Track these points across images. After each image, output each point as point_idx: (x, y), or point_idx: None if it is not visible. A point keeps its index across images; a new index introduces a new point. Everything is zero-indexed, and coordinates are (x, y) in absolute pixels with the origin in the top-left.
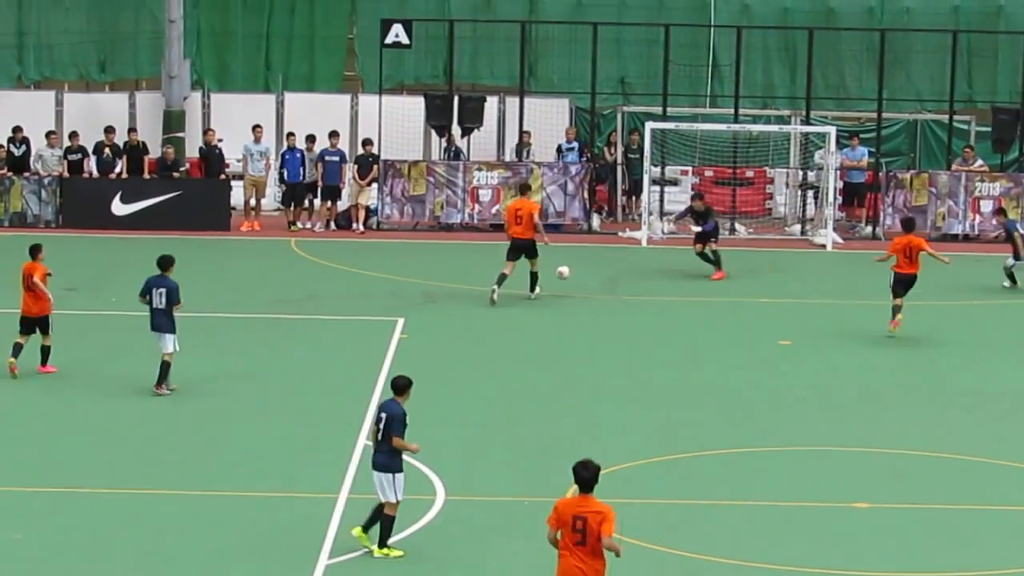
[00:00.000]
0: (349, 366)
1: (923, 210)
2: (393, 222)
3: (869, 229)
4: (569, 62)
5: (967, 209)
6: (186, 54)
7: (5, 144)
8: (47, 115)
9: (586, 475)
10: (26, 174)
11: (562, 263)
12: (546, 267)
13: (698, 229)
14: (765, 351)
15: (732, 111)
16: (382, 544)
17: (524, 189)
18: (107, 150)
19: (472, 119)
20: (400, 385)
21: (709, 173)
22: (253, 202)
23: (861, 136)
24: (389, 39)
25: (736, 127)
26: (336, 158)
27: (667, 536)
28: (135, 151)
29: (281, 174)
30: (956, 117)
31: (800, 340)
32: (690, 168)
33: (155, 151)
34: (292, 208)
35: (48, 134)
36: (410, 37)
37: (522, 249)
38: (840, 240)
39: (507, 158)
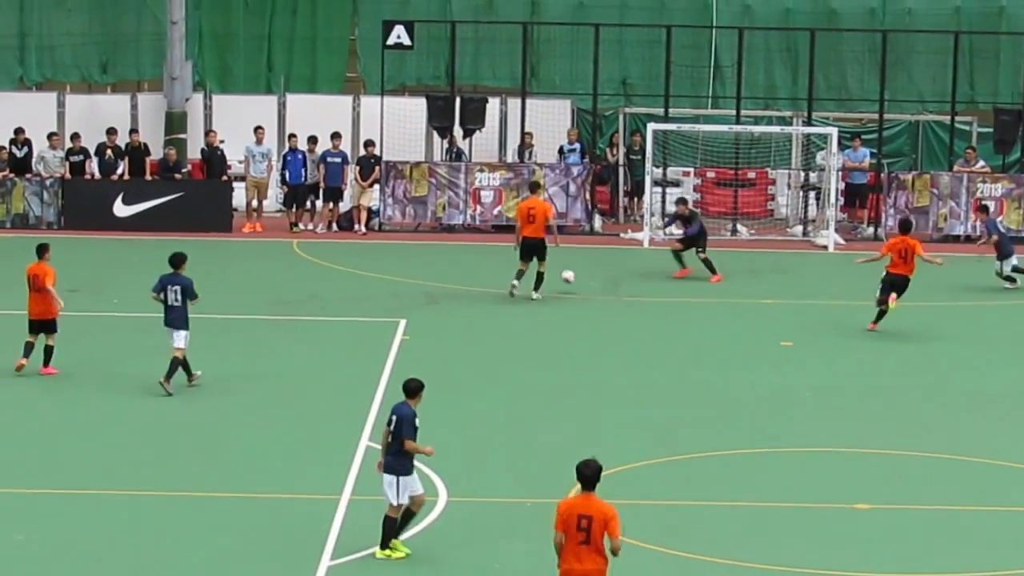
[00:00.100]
0: (351, 367)
1: (925, 211)
2: (395, 223)
3: (871, 230)
4: (571, 63)
5: (969, 210)
6: (188, 55)
7: (7, 146)
8: (49, 116)
9: (588, 473)
10: (28, 175)
11: (565, 265)
12: (551, 270)
13: (679, 233)
14: (766, 352)
15: (734, 112)
16: (383, 545)
17: (535, 187)
18: (109, 151)
19: (474, 120)
20: (411, 388)
21: (711, 174)
22: (255, 203)
23: (863, 137)
24: (391, 40)
25: (738, 128)
26: (338, 159)
27: (668, 537)
28: (137, 152)
29: (283, 175)
30: (958, 118)
31: (801, 341)
32: (692, 169)
33: (157, 152)
34: (294, 209)
35: (50, 135)
36: (412, 38)
37: (534, 248)
38: (842, 241)
39: (509, 159)
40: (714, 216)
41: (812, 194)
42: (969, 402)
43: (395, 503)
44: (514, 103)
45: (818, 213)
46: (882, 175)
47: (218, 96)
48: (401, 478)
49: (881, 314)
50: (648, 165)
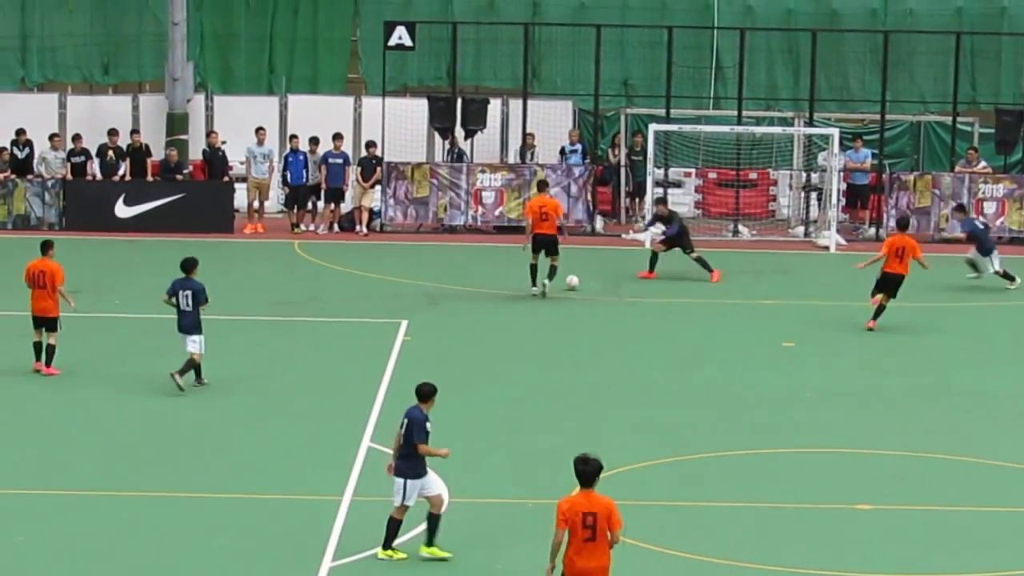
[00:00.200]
0: (352, 368)
1: (926, 212)
2: (396, 224)
3: (872, 231)
4: (572, 64)
5: (970, 211)
6: (189, 56)
7: (8, 147)
8: (50, 117)
9: (587, 470)
10: (29, 176)
11: (568, 267)
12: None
13: (658, 231)
14: (768, 352)
15: (735, 113)
16: (385, 546)
17: (543, 186)
18: (110, 152)
19: (475, 121)
20: (424, 392)
21: (712, 175)
22: (256, 204)
23: (864, 138)
24: (392, 41)
25: (739, 129)
26: (339, 160)
27: (669, 537)
28: (138, 153)
29: (284, 176)
30: (959, 119)
31: (803, 341)
32: (693, 170)
33: (158, 153)
34: (295, 210)
35: (51, 136)
36: (413, 39)
37: (547, 244)
38: (843, 242)
39: (510, 160)
40: (716, 217)
41: (814, 195)
42: (970, 402)
43: (398, 504)
44: (515, 104)
45: (820, 214)
46: (884, 176)
47: (220, 97)
48: (409, 481)
49: (879, 311)
50: (650, 166)
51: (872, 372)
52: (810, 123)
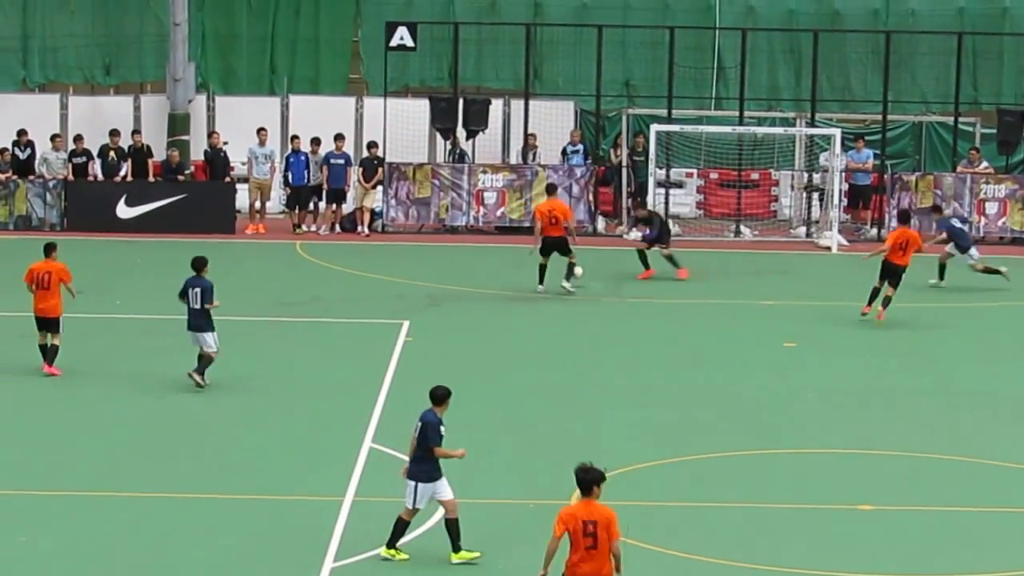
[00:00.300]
0: (354, 369)
1: (928, 212)
2: (398, 225)
3: (874, 231)
4: (574, 64)
5: (972, 211)
6: (191, 57)
7: (10, 147)
8: (52, 118)
9: (587, 479)
10: (31, 177)
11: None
12: (557, 269)
13: (638, 235)
14: (770, 353)
15: (737, 113)
16: (390, 544)
17: (552, 189)
18: (112, 153)
19: (477, 122)
20: (438, 395)
21: (714, 175)
22: (258, 205)
23: (866, 138)
24: (394, 42)
25: (741, 129)
26: (341, 161)
27: (671, 538)
28: (139, 154)
29: (285, 177)
30: (961, 119)
31: (805, 342)
32: (695, 170)
33: (160, 154)
34: (297, 211)
35: (53, 137)
36: (415, 40)
37: (557, 246)
38: (845, 242)
39: (512, 161)
40: (717, 217)
41: (815, 195)
42: (972, 403)
43: (409, 507)
44: (517, 104)
45: (821, 214)
46: (885, 176)
47: (221, 98)
48: (420, 484)
49: (881, 299)
50: (651, 166)
51: (873, 372)
52: (812, 123)
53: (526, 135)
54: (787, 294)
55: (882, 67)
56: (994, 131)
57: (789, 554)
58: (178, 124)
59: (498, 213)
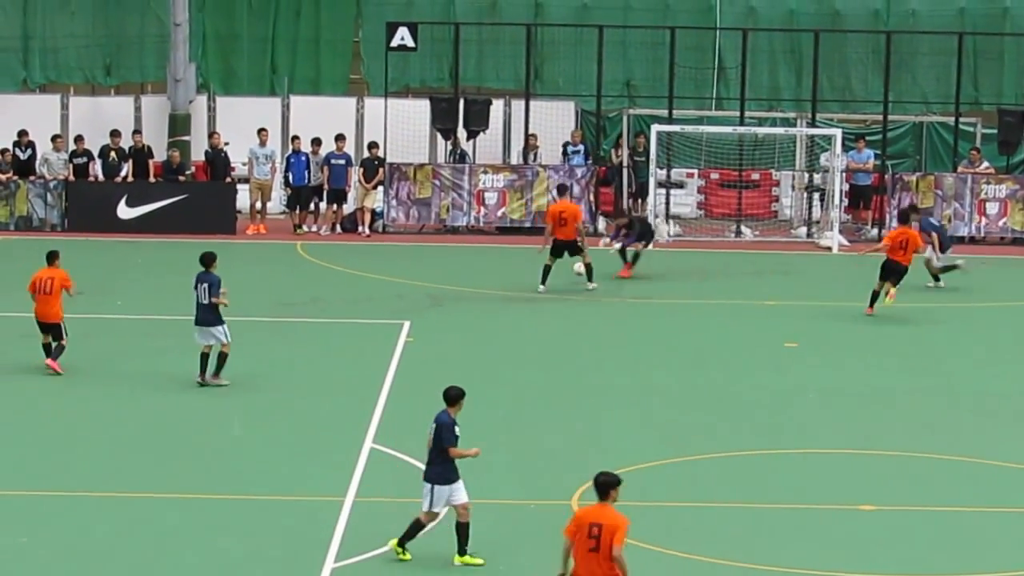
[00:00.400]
0: (354, 369)
1: (929, 212)
2: (399, 225)
3: (875, 231)
4: (575, 65)
5: (973, 211)
6: (191, 57)
7: (11, 148)
8: (52, 119)
9: (602, 482)
10: (32, 178)
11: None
12: (563, 267)
13: (618, 246)
14: (771, 353)
15: (738, 114)
16: (401, 542)
17: (563, 190)
18: (112, 154)
19: (478, 122)
20: (451, 396)
21: (715, 176)
22: (259, 205)
23: (867, 138)
24: (394, 42)
25: (742, 129)
26: (342, 161)
27: (672, 538)
28: (140, 154)
29: (286, 177)
30: (962, 119)
31: (806, 342)
32: (696, 171)
33: (160, 155)
34: (297, 211)
35: (54, 138)
36: (415, 40)
37: (567, 248)
38: (846, 242)
39: (513, 161)
40: (718, 218)
41: (816, 195)
42: (974, 403)
43: (425, 510)
44: (518, 105)
45: (822, 214)
46: (886, 176)
47: (222, 98)
48: (436, 487)
49: (874, 298)
50: (652, 167)
51: (874, 372)
52: (812, 124)
53: (527, 135)
54: (788, 294)
55: (883, 67)
56: (995, 131)
57: (789, 554)
58: (179, 124)
59: (499, 213)
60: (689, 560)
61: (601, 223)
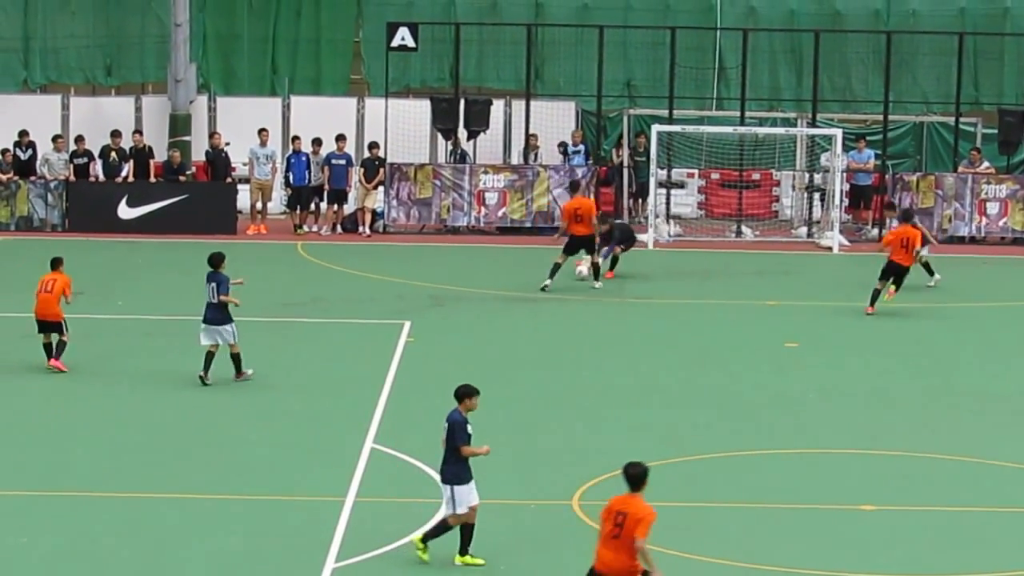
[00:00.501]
0: (355, 369)
1: (929, 212)
2: (399, 225)
3: (875, 231)
4: (575, 65)
5: (974, 211)
6: (192, 58)
7: (11, 148)
8: (53, 119)
9: (632, 474)
10: (32, 178)
11: (572, 267)
12: (567, 271)
13: (599, 259)
14: (771, 353)
15: (738, 114)
16: (425, 539)
17: (575, 187)
18: (113, 154)
19: (478, 122)
20: (458, 394)
21: (715, 176)
22: (259, 206)
23: (867, 138)
24: (395, 42)
25: (742, 130)
26: (342, 161)
27: (673, 538)
28: (141, 154)
29: (287, 177)
30: (962, 119)
31: (806, 342)
32: (696, 171)
33: (161, 155)
34: (298, 212)
35: (54, 138)
36: (416, 40)
37: (583, 244)
38: (846, 242)
39: (513, 161)
40: (719, 218)
41: (816, 195)
42: (974, 403)
43: (452, 513)
44: (518, 105)
45: (823, 214)
46: (886, 176)
47: (222, 98)
48: (456, 487)
49: (875, 296)
50: (652, 167)
51: (875, 372)
52: (813, 124)
53: (527, 135)
54: (788, 294)
55: (883, 67)
56: (995, 131)
57: (789, 554)
58: (179, 125)
59: (499, 213)
60: (689, 560)
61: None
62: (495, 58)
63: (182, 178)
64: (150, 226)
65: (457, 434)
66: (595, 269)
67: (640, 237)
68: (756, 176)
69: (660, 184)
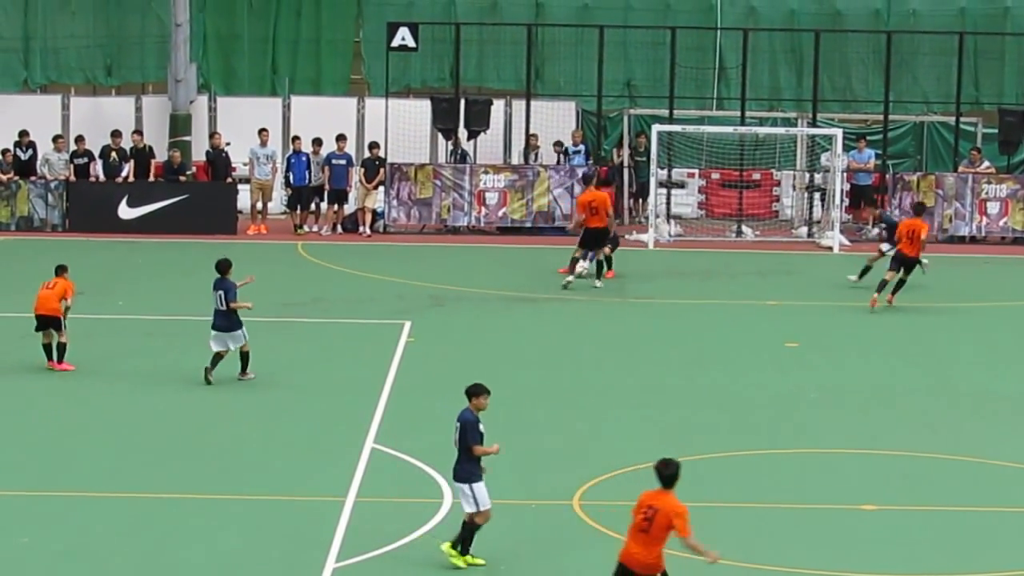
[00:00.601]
0: (355, 369)
1: (930, 212)
2: (399, 225)
3: (875, 231)
4: (575, 65)
5: (974, 211)
6: (192, 58)
7: (11, 148)
8: (53, 119)
9: (665, 472)
10: (33, 178)
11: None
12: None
13: (585, 263)
14: (772, 353)
15: (739, 113)
16: (458, 547)
17: (589, 180)
18: (113, 154)
19: (478, 122)
20: (469, 393)
21: (716, 176)
22: (259, 206)
23: (868, 138)
24: (395, 42)
25: (743, 129)
26: (343, 161)
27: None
28: (141, 154)
29: (287, 178)
30: (962, 119)
31: (807, 342)
32: (697, 171)
33: (161, 155)
34: (298, 212)
35: (55, 138)
36: (416, 40)
37: (598, 237)
38: (847, 242)
39: (514, 161)
40: (719, 218)
41: (817, 195)
42: (975, 403)
43: (473, 510)
44: (519, 105)
45: (823, 214)
46: (887, 176)
47: (222, 98)
48: (475, 485)
49: (882, 285)
50: (653, 167)
51: (876, 372)
52: (813, 123)
53: (527, 135)
54: (789, 294)
55: (883, 67)
56: (995, 131)
57: (790, 554)
58: (180, 125)
59: (500, 213)
60: (689, 560)
61: None
62: (495, 58)
63: (182, 178)
64: (150, 226)
65: (470, 434)
66: (596, 267)
67: (641, 237)
68: (756, 176)
69: (660, 184)
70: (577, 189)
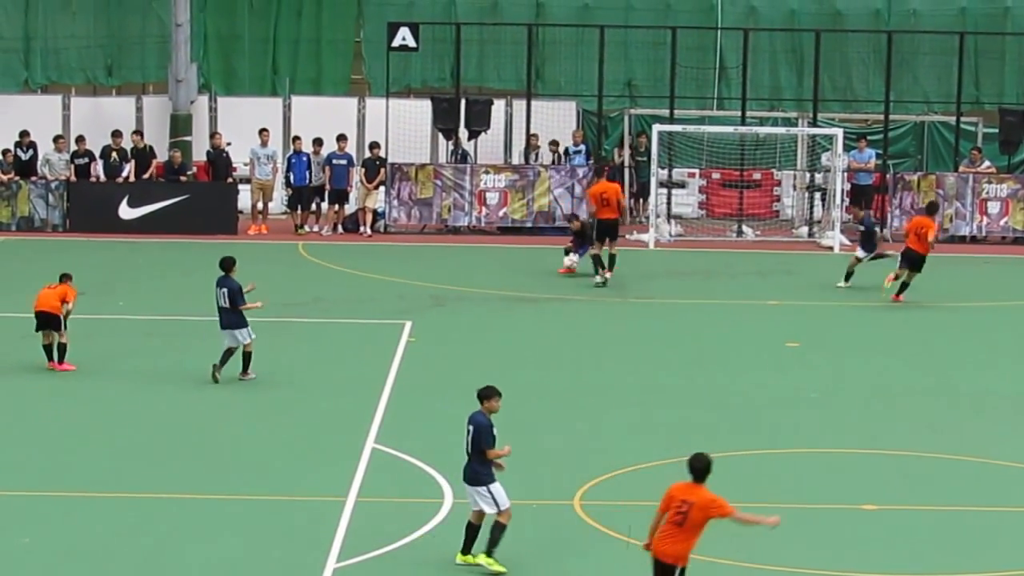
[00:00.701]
0: (356, 369)
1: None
2: (400, 225)
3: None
4: (576, 65)
5: (975, 211)
6: (193, 58)
7: (12, 148)
8: (54, 119)
9: (698, 466)
10: (33, 178)
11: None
12: (583, 269)
13: (575, 258)
14: (773, 353)
15: (739, 113)
16: (489, 552)
17: (600, 172)
18: (114, 154)
19: (479, 122)
20: (479, 395)
21: (716, 175)
22: (260, 206)
23: (868, 138)
24: (396, 42)
25: (743, 129)
26: (343, 161)
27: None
28: (141, 154)
29: (287, 178)
30: (963, 119)
31: (807, 342)
32: (697, 170)
33: (162, 155)
34: (299, 212)
35: (55, 138)
36: (417, 40)
37: (611, 228)
38: (847, 242)
39: (514, 161)
40: (719, 217)
41: (817, 195)
42: (975, 403)
43: (494, 511)
44: (519, 105)
45: (823, 214)
46: (887, 176)
47: (223, 98)
48: (491, 486)
49: (903, 287)
50: (653, 167)
51: (876, 372)
52: (814, 123)
53: (528, 135)
54: (789, 294)
55: (884, 67)
56: (996, 131)
57: (790, 554)
58: (180, 125)
59: (500, 213)
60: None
61: None
62: (496, 58)
63: (183, 178)
64: (151, 226)
65: (484, 437)
66: (612, 260)
67: (641, 237)
68: (757, 176)
69: (661, 184)
70: (578, 190)
